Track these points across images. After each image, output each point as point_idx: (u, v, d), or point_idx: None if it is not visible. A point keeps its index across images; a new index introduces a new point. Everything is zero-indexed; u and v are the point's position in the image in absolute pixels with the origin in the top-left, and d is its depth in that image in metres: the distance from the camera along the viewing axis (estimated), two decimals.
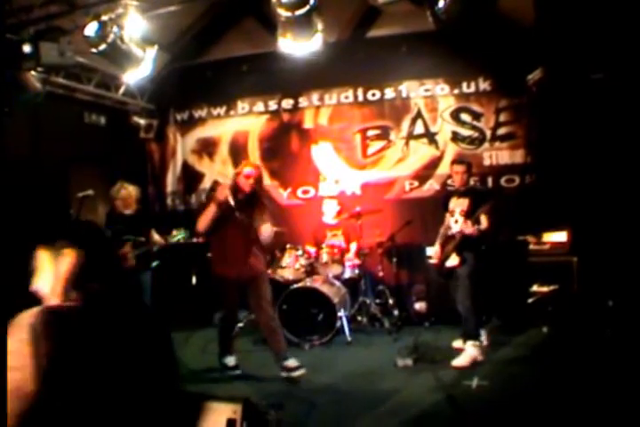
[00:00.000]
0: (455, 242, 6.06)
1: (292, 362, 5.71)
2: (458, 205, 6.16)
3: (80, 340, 1.85)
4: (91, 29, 5.74)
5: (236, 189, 5.72)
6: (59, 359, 1.77)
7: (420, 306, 7.97)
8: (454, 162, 6.70)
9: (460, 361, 5.76)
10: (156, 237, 6.82)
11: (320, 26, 5.62)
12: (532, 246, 7.48)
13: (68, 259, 2.00)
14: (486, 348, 6.10)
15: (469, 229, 5.77)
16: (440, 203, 6.59)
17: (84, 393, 1.79)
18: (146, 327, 2.07)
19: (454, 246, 6.08)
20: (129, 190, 6.83)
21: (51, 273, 2.00)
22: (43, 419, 1.71)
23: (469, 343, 5.88)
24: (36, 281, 2.03)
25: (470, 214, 5.92)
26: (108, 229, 6.89)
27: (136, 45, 6.12)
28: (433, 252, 6.63)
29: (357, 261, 7.79)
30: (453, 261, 6.13)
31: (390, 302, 7.90)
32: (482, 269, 5.99)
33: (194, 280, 8.41)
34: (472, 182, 6.79)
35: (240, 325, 7.72)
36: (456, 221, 6.07)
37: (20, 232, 6.73)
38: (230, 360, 6.10)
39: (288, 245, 7.64)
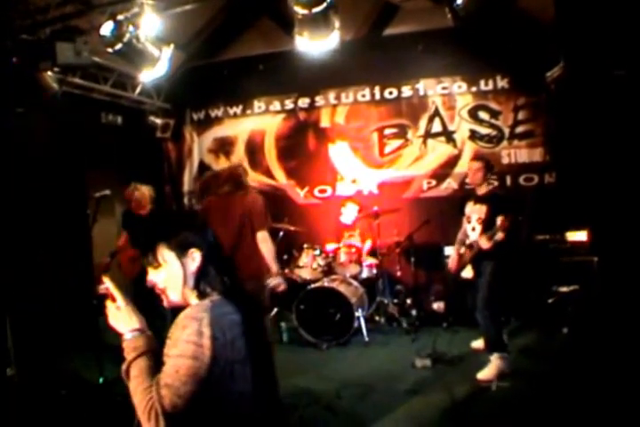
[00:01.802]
0: (472, 254, 5.87)
1: None
2: (475, 211, 5.87)
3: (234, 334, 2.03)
4: (106, 29, 5.72)
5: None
6: (224, 351, 1.96)
7: (437, 306, 7.92)
8: (471, 159, 6.59)
9: (485, 374, 5.46)
10: None
11: (337, 24, 5.58)
12: (551, 246, 7.39)
13: (196, 259, 2.15)
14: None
15: (486, 244, 5.56)
16: (459, 204, 6.41)
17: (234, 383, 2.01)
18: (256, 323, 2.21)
19: (470, 258, 5.91)
20: (142, 191, 6.81)
21: (174, 271, 2.13)
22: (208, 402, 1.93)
23: (495, 355, 5.55)
24: (156, 276, 2.15)
25: (488, 223, 5.65)
26: (124, 229, 6.91)
27: (152, 45, 6.09)
28: (450, 260, 6.34)
29: (375, 261, 7.74)
30: (468, 273, 6.02)
31: (408, 301, 7.84)
32: (501, 279, 5.71)
33: None
34: (491, 185, 6.13)
35: None
36: (473, 228, 5.86)
37: (36, 231, 6.80)
38: None
39: (305, 245, 7.60)
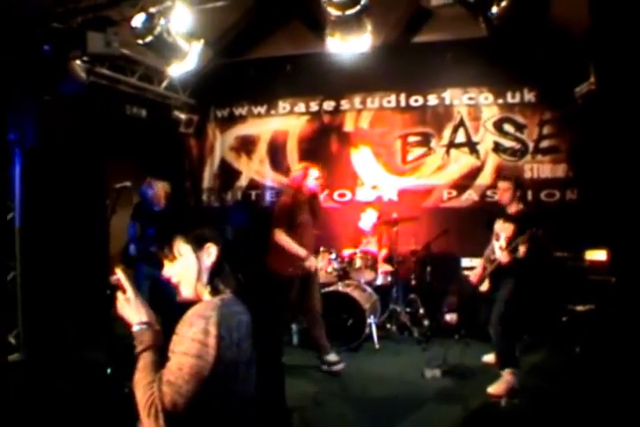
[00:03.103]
0: (492, 268, 5.86)
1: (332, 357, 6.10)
2: (503, 229, 5.76)
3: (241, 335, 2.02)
4: (138, 21, 5.71)
5: (298, 190, 6.08)
6: (229, 352, 1.94)
7: (450, 317, 7.84)
8: (500, 178, 6.45)
9: (496, 389, 5.38)
10: None
11: (369, 27, 5.54)
12: (569, 263, 7.31)
13: (212, 254, 2.15)
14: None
15: (506, 258, 5.52)
16: (479, 215, 6.40)
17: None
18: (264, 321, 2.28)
19: (490, 272, 5.91)
20: (158, 186, 6.82)
21: (189, 264, 2.13)
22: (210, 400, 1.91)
23: (506, 371, 5.48)
24: (171, 269, 2.16)
25: (512, 242, 5.60)
26: (133, 222, 6.92)
27: (182, 39, 6.09)
28: (473, 273, 6.32)
29: (390, 269, 7.69)
30: (484, 286, 6.01)
31: (421, 311, 7.76)
32: (520, 297, 5.62)
33: None
34: (521, 205, 5.85)
35: None
36: (500, 247, 5.76)
37: (55, 219, 6.80)
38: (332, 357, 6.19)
39: (321, 248, 7.55)
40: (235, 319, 2.00)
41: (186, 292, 2.14)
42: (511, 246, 5.47)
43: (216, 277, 2.14)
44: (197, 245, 2.14)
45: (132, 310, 2.09)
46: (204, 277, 2.13)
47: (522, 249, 5.40)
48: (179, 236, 2.14)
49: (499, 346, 5.62)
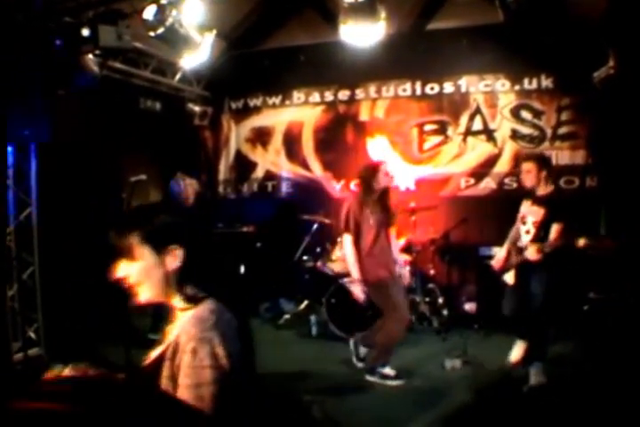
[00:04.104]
0: (519, 260, 5.43)
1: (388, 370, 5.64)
2: (532, 213, 5.36)
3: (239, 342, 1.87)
4: (149, 13, 5.69)
5: (369, 186, 5.60)
6: (237, 364, 1.79)
7: (469, 307, 7.80)
8: (522, 159, 6.09)
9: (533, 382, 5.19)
10: None
11: (383, 14, 5.48)
12: (589, 252, 7.22)
13: (177, 258, 1.88)
14: None
15: (534, 256, 5.13)
16: (497, 204, 6.11)
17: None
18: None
19: (517, 264, 5.50)
20: (187, 183, 6.82)
21: (150, 267, 1.88)
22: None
23: (536, 366, 5.24)
24: (127, 268, 1.90)
25: (543, 229, 5.21)
26: None
27: (194, 31, 6.06)
28: (495, 258, 5.81)
29: (409, 258, 7.64)
30: (510, 279, 5.61)
31: (440, 301, 7.69)
32: (556, 288, 5.30)
33: (242, 270, 8.35)
34: (551, 187, 5.40)
35: (286, 317, 7.67)
36: (527, 231, 5.44)
37: (71, 213, 6.82)
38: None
39: (339, 239, 7.51)
40: (232, 330, 1.85)
41: (146, 295, 1.91)
42: (541, 245, 5.09)
43: (188, 282, 1.90)
44: (159, 247, 1.87)
45: None
46: (173, 283, 1.89)
47: (553, 242, 5.07)
48: (137, 235, 1.87)
49: (535, 340, 5.36)
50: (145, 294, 1.91)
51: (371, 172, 5.62)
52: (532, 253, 5.14)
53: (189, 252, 1.89)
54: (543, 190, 5.35)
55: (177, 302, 1.91)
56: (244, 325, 1.94)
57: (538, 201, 5.34)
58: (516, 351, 5.55)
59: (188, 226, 1.99)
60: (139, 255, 1.87)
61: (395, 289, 5.55)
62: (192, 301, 1.89)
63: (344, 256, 5.87)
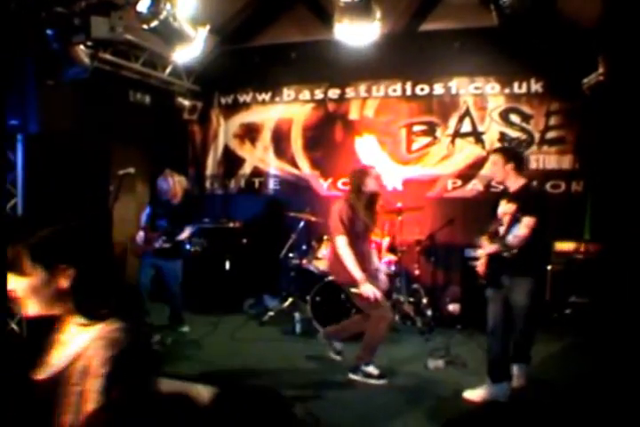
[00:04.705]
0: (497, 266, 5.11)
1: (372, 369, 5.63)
2: (507, 210, 4.98)
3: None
4: (143, 5, 5.64)
5: (358, 190, 5.62)
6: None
7: (453, 308, 7.84)
8: (489, 151, 5.98)
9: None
10: (187, 233, 6.83)
11: (378, 14, 5.48)
12: (573, 256, 7.28)
13: (69, 277, 1.74)
14: None
15: (488, 248, 5.04)
16: (484, 206, 5.90)
17: None
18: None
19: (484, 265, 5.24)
20: (175, 181, 6.82)
21: (39, 285, 1.73)
22: None
23: (520, 365, 5.17)
24: (17, 282, 1.73)
25: (513, 224, 4.86)
26: (149, 208, 6.97)
27: (188, 24, 6.03)
28: (479, 263, 5.42)
29: (394, 258, 7.66)
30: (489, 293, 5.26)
31: (424, 301, 7.72)
32: (537, 294, 5.02)
33: (227, 266, 8.35)
34: (522, 180, 5.06)
35: (271, 314, 7.67)
36: (490, 235, 5.19)
37: (59, 206, 6.77)
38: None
39: (325, 237, 7.52)
40: (140, 351, 1.76)
41: (33, 310, 1.76)
42: (500, 243, 4.90)
43: (83, 302, 1.76)
44: (48, 265, 1.72)
45: None
46: (67, 302, 1.76)
47: (520, 234, 4.76)
48: (25, 251, 1.72)
49: (521, 342, 5.14)
50: (33, 309, 1.77)
51: (360, 176, 5.66)
52: (485, 244, 5.11)
53: (81, 272, 1.76)
54: (513, 186, 5.07)
55: (75, 317, 1.78)
56: (148, 344, 1.88)
57: (510, 197, 5.06)
58: (480, 391, 5.10)
59: (80, 243, 1.83)
60: (28, 270, 1.72)
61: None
62: (93, 318, 1.76)
63: (329, 256, 5.89)
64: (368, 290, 5.34)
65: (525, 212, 4.80)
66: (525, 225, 4.76)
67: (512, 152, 5.43)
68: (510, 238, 4.84)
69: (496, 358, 5.10)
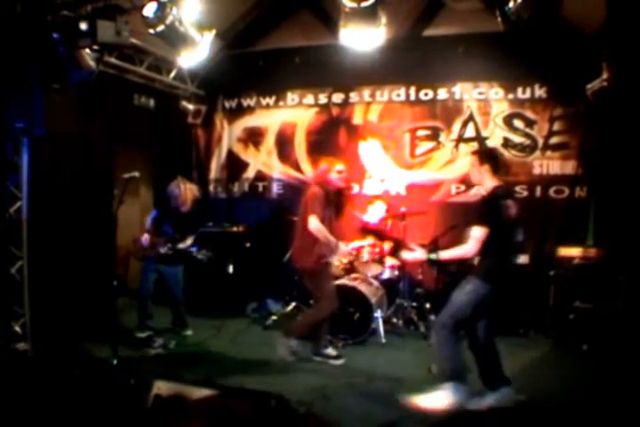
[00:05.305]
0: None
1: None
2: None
3: None
4: (149, 10, 5.67)
5: (324, 184, 6.01)
6: None
7: None
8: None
9: (424, 400, 4.89)
10: (189, 242, 6.86)
11: (384, 20, 5.50)
12: (576, 261, 7.27)
13: None
14: None
15: (412, 255, 5.11)
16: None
17: None
18: None
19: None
20: (186, 188, 6.84)
21: None
22: None
23: (448, 384, 4.87)
24: None
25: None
26: (156, 211, 6.98)
27: (193, 29, 6.05)
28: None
29: (397, 263, 7.65)
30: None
31: (427, 306, 7.72)
32: (478, 301, 4.72)
33: (230, 269, 8.35)
34: (492, 184, 4.78)
35: (274, 318, 7.67)
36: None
37: (62, 209, 6.79)
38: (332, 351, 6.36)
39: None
40: None
41: None
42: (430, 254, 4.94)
43: None
44: None
45: None
46: None
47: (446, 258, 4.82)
48: None
49: (439, 353, 5.06)
50: None
51: (322, 173, 6.10)
52: (412, 253, 5.16)
53: None
54: (486, 189, 4.86)
55: None
56: None
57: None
58: (483, 400, 4.90)
59: None
60: None
61: (328, 278, 6.23)
62: None
63: (294, 243, 6.25)
64: (343, 249, 6.31)
65: (475, 221, 4.67)
66: (471, 236, 4.66)
67: (488, 154, 5.21)
68: (443, 252, 4.91)
69: (482, 366, 5.10)
